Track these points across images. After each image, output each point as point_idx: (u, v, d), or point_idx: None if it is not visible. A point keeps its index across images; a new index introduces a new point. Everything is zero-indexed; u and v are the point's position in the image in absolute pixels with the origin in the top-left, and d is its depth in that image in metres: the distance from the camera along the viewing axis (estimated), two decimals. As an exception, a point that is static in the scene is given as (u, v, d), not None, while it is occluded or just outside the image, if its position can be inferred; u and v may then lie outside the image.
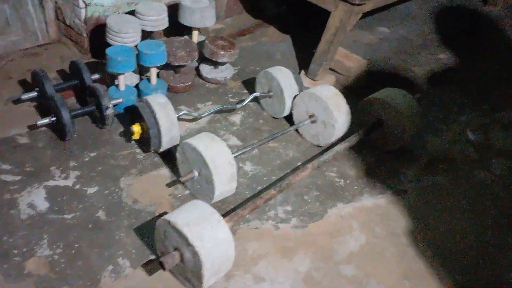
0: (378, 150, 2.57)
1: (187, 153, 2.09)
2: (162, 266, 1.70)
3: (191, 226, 1.69)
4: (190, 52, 2.68)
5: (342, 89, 3.00)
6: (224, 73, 2.92)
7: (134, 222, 2.04)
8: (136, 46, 2.59)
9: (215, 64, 2.89)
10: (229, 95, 2.85)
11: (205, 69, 2.92)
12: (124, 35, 2.57)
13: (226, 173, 2.01)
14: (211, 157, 1.99)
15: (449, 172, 2.53)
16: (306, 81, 2.96)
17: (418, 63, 3.46)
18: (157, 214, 2.09)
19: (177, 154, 2.17)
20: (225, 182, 2.02)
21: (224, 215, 1.88)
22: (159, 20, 2.72)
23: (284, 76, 2.56)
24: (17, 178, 2.17)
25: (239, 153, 2.24)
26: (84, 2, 2.79)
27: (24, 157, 2.27)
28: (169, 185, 2.23)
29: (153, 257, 1.92)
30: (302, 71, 3.01)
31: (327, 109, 2.37)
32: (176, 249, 1.74)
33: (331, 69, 3.05)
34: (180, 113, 2.40)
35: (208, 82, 2.92)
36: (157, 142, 2.27)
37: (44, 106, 2.47)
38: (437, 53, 3.63)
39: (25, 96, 2.47)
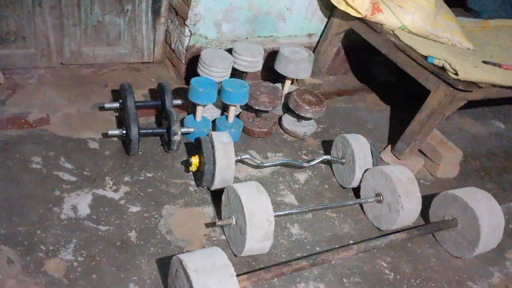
0: (446, 254, 2.28)
1: (230, 198, 2.01)
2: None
3: (199, 273, 1.59)
4: (273, 99, 2.63)
5: (429, 177, 2.74)
6: (305, 128, 2.83)
7: (160, 252, 1.99)
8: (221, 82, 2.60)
9: (298, 117, 2.81)
10: (303, 152, 2.74)
11: (287, 120, 2.86)
12: (213, 69, 2.60)
13: (261, 229, 1.89)
14: (250, 208, 1.89)
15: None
16: (390, 158, 2.76)
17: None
18: (185, 250, 2.02)
19: (223, 196, 2.10)
20: (257, 238, 1.90)
21: (244, 273, 1.76)
22: (252, 62, 2.73)
23: (359, 145, 2.41)
24: (73, 178, 2.24)
25: (287, 212, 2.11)
26: (190, 31, 2.89)
27: (87, 161, 2.34)
28: (208, 225, 2.16)
29: (164, 293, 1.84)
30: (389, 147, 2.82)
31: (395, 192, 2.16)
32: (182, 292, 1.65)
33: (421, 152, 2.81)
34: (242, 157, 2.34)
35: (287, 134, 2.84)
36: (210, 179, 2.23)
37: (123, 118, 2.55)
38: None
39: (108, 105, 2.58)
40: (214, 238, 2.11)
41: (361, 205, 2.42)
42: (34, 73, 2.91)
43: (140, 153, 2.47)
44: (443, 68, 2.49)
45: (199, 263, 1.63)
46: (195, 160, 2.26)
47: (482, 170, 2.94)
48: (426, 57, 2.56)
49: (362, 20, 2.87)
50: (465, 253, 2.18)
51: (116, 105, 2.57)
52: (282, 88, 3.01)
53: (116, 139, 2.51)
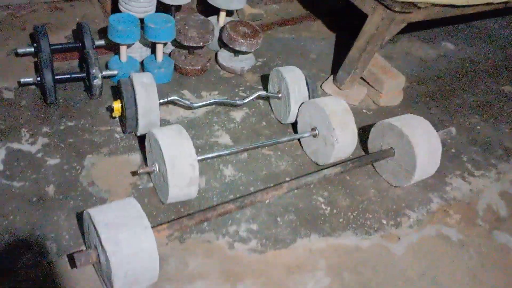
0: (386, 183, 2.22)
1: (151, 144, 1.88)
2: (73, 263, 1.51)
3: (109, 227, 1.48)
4: (203, 33, 2.44)
5: (372, 106, 2.64)
6: (242, 63, 2.66)
7: (81, 206, 1.88)
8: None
9: (235, 52, 2.64)
10: (241, 88, 2.59)
11: (223, 55, 2.68)
12: (135, 4, 2.38)
13: (184, 175, 1.78)
14: (171, 155, 1.76)
15: (465, 225, 2.13)
16: (332, 88, 2.64)
17: (474, 91, 3.00)
18: (108, 202, 1.90)
19: (146, 143, 1.96)
20: (182, 185, 1.79)
21: (164, 222, 1.66)
22: (179, -6, 2.51)
23: (294, 78, 2.27)
24: (-15, 133, 2.06)
25: (213, 155, 2.00)
26: (110, -38, 2.63)
27: (1, 113, 2.16)
28: (133, 173, 2.03)
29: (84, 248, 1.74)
30: (331, 77, 2.68)
31: (329, 125, 2.06)
32: (95, 247, 1.55)
33: (364, 80, 2.69)
34: (169, 98, 2.19)
35: (224, 70, 2.67)
36: (133, 124, 2.08)
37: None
38: (502, 84, 3.13)
39: (21, 50, 2.37)
40: (140, 187, 1.99)
41: (299, 140, 2.30)
42: None
43: (61, 100, 2.29)
44: (379, -11, 2.32)
45: (109, 216, 1.51)
46: (117, 105, 2.10)
47: (428, 95, 2.85)
48: (362, -22, 2.38)
49: None
50: (403, 182, 2.12)
51: (31, 49, 2.36)
52: (218, 21, 2.80)
53: (34, 87, 2.31)
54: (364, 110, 2.62)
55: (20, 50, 2.36)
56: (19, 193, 1.87)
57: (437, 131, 2.15)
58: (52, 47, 2.39)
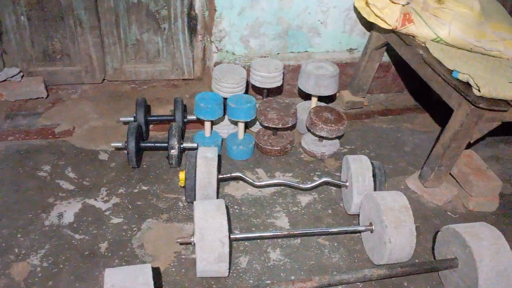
0: (449, 297, 1.94)
1: (194, 215, 1.93)
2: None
3: (114, 289, 1.54)
4: (284, 116, 2.50)
5: (460, 209, 2.38)
6: (324, 148, 2.63)
7: (122, 265, 1.97)
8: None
9: (319, 136, 2.63)
10: (317, 173, 2.55)
11: (307, 139, 2.69)
12: (223, 85, 2.55)
13: (213, 251, 1.79)
14: (201, 227, 1.80)
15: None
16: (415, 184, 2.46)
17: None
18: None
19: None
20: (210, 260, 1.80)
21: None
22: (268, 78, 2.63)
23: (360, 167, 2.17)
24: (71, 187, 2.34)
25: (247, 236, 1.97)
26: (216, 47, 2.88)
27: (91, 171, 2.43)
28: (182, 243, 2.09)
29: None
30: (418, 173, 2.50)
31: (382, 222, 1.90)
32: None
33: (455, 181, 2.46)
34: (230, 175, 2.25)
35: (305, 153, 2.67)
36: (192, 195, 2.17)
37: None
38: None
39: (123, 119, 2.67)
40: (183, 257, 2.04)
41: (359, 234, 2.16)
42: (78, 89, 3.13)
43: (145, 166, 2.50)
44: (468, 84, 2.16)
45: (118, 278, 1.58)
46: (182, 175, 2.22)
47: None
48: (452, 72, 2.24)
49: (395, 32, 2.61)
50: (467, 301, 1.83)
51: (130, 118, 2.64)
52: (310, 106, 2.84)
53: (125, 152, 2.56)
54: (449, 213, 2.36)
55: (122, 119, 2.66)
56: (76, 245, 2.05)
57: (517, 247, 1.84)
58: (149, 118, 2.66)
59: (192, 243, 1.90)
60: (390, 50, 2.96)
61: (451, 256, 1.90)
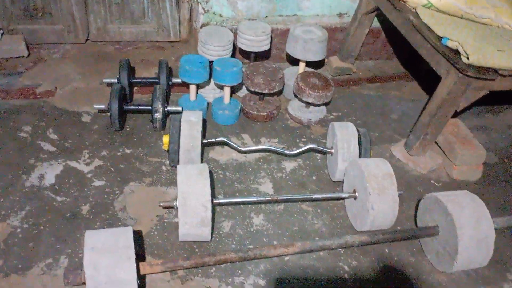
0: (429, 266, 1.96)
1: (177, 179, 1.91)
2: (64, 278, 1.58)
3: (94, 251, 1.54)
4: (270, 81, 2.46)
5: (444, 178, 2.39)
6: (311, 114, 2.61)
7: (104, 228, 1.96)
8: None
9: (306, 103, 2.60)
10: (303, 140, 2.53)
11: (294, 105, 2.66)
12: (209, 47, 2.49)
13: (196, 214, 1.77)
14: (184, 192, 1.78)
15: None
16: (400, 152, 2.45)
17: None
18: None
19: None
20: (193, 223, 1.79)
21: (162, 258, 1.67)
22: (256, 42, 2.57)
23: (346, 134, 2.15)
24: (52, 149, 2.29)
25: (229, 201, 1.96)
26: (203, 8, 2.81)
27: (73, 133, 2.39)
28: (165, 206, 2.07)
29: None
30: (403, 141, 2.49)
31: (366, 189, 1.90)
32: (87, 269, 1.60)
33: (440, 149, 2.45)
34: (214, 139, 2.22)
35: (291, 119, 2.64)
36: (176, 159, 2.14)
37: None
38: None
39: (106, 80, 2.61)
40: (166, 220, 2.03)
41: (343, 201, 2.16)
42: (60, 48, 3.04)
43: (128, 129, 2.46)
44: (457, 52, 2.13)
45: (99, 241, 1.56)
46: (165, 138, 2.18)
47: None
48: (441, 39, 2.20)
49: (386, -4, 2.55)
50: (446, 267, 1.85)
51: (114, 80, 2.58)
52: (298, 71, 2.80)
53: (109, 114, 2.51)
54: (432, 181, 2.37)
55: (105, 80, 2.61)
56: (58, 207, 2.03)
57: (501, 216, 1.85)
58: (133, 80, 2.60)
59: (175, 207, 1.88)
60: (380, 16, 2.90)
61: (432, 223, 1.91)
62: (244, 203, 2.06)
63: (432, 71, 2.29)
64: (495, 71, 2.07)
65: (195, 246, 1.93)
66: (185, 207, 1.77)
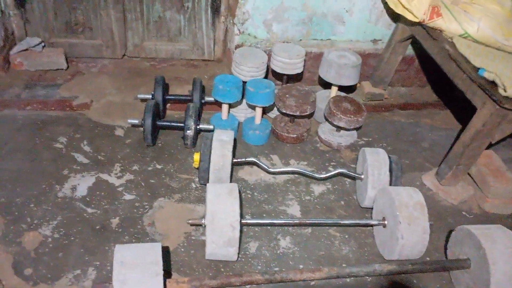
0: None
1: (206, 197, 1.93)
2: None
3: (124, 266, 1.55)
4: (302, 104, 2.47)
5: (475, 210, 2.34)
6: (341, 139, 2.61)
7: (133, 242, 1.98)
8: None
9: (338, 127, 2.60)
10: (332, 164, 2.53)
11: (324, 128, 2.66)
12: (243, 68, 2.53)
13: (223, 234, 1.78)
14: (213, 210, 1.79)
15: None
16: (431, 182, 2.42)
17: None
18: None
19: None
20: (220, 243, 1.79)
21: (187, 276, 1.68)
22: (289, 64, 2.59)
23: (377, 161, 2.14)
24: (86, 161, 2.34)
25: (258, 221, 1.96)
26: (238, 29, 2.85)
27: (106, 146, 2.44)
28: (192, 224, 2.09)
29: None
30: (435, 170, 2.46)
31: (396, 218, 1.88)
32: (115, 282, 1.62)
33: (473, 180, 2.42)
34: (245, 159, 2.24)
35: (321, 143, 2.64)
36: (205, 177, 2.16)
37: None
38: None
39: (140, 96, 2.66)
40: (193, 237, 2.04)
41: (371, 227, 2.14)
42: (98, 63, 3.12)
43: (160, 144, 2.50)
44: (494, 83, 2.10)
45: (128, 256, 1.58)
46: (196, 156, 2.21)
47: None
48: (478, 70, 2.19)
49: (422, 25, 2.55)
50: (476, 303, 1.81)
51: (148, 96, 2.63)
52: (330, 95, 2.80)
53: (142, 129, 2.56)
54: (463, 212, 2.33)
55: (139, 96, 2.65)
56: (88, 218, 2.06)
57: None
58: (167, 97, 2.65)
59: (203, 225, 1.89)
60: (414, 43, 2.90)
61: (463, 256, 1.88)
62: (272, 224, 2.06)
63: (466, 101, 2.26)
64: (532, 104, 2.04)
65: (221, 265, 1.93)
66: (213, 225, 1.78)
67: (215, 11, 3.07)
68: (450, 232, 2.01)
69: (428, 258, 2.03)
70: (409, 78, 3.24)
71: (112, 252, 1.91)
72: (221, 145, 2.14)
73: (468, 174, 2.40)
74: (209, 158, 2.12)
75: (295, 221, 2.01)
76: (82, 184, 2.22)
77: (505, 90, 2.02)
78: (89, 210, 2.10)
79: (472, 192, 2.38)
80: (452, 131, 2.89)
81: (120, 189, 2.22)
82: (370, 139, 2.73)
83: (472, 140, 2.18)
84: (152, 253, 1.60)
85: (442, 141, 2.79)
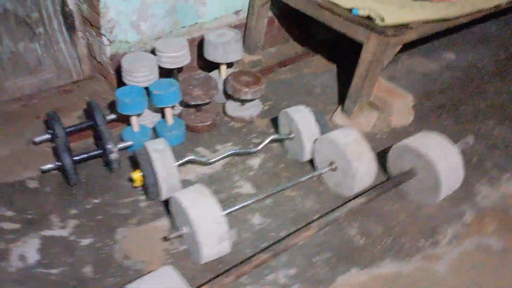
0: (414, 204, 2.20)
1: (176, 208, 1.91)
2: None
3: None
4: (208, 90, 2.51)
5: (385, 129, 2.65)
6: (250, 110, 2.71)
7: (119, 282, 1.89)
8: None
9: (241, 101, 2.69)
10: (253, 135, 2.63)
11: (231, 106, 2.74)
12: (137, 75, 2.46)
13: (213, 233, 1.80)
14: (196, 214, 1.79)
15: (504, 232, 2.10)
16: (341, 119, 2.66)
17: (485, 96, 3.00)
18: (146, 272, 1.91)
19: (170, 208, 1.99)
20: (213, 243, 1.81)
21: (204, 284, 1.67)
22: (178, 57, 2.59)
23: (302, 117, 2.30)
24: (16, 226, 2.11)
25: (239, 206, 2.01)
26: (108, 39, 2.74)
27: (29, 203, 2.22)
28: (165, 239, 2.05)
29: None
30: (339, 108, 2.71)
31: (345, 158, 2.07)
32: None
33: (373, 105, 2.71)
34: (185, 159, 2.23)
35: (233, 121, 2.72)
36: (156, 191, 2.11)
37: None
38: None
39: (39, 138, 2.44)
40: (173, 251, 2.01)
41: (320, 176, 2.31)
42: (-41, 122, 2.74)
43: (83, 179, 2.35)
44: (369, 18, 2.37)
45: (148, 290, 1.52)
46: (135, 175, 2.14)
47: (438, 108, 2.86)
48: (351, 10, 2.44)
49: (281, -15, 2.73)
50: (431, 200, 2.11)
51: (48, 136, 2.43)
52: (219, 75, 2.87)
53: (56, 172, 2.37)
54: (378, 135, 2.63)
55: (37, 139, 2.44)
56: (57, 279, 1.90)
57: (455, 143, 2.14)
58: (67, 130, 2.47)
59: (184, 234, 1.89)
60: (273, 4, 3.08)
61: (406, 168, 2.15)
62: (247, 206, 2.10)
63: (328, 43, 2.49)
64: (405, 26, 2.36)
65: (216, 263, 1.95)
66: (201, 229, 1.78)
67: (71, 28, 2.89)
68: (380, 154, 2.25)
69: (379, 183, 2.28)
70: (274, 37, 3.44)
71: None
72: (160, 154, 2.10)
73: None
74: (153, 172, 2.08)
75: (264, 195, 2.09)
76: (28, 250, 2.02)
77: (382, 20, 2.30)
78: (53, 271, 1.94)
79: (377, 115, 2.68)
80: (331, 72, 3.18)
81: (72, 238, 2.07)
82: (271, 102, 2.89)
83: (367, 72, 2.46)
84: (170, 278, 1.57)
85: (329, 83, 3.07)
